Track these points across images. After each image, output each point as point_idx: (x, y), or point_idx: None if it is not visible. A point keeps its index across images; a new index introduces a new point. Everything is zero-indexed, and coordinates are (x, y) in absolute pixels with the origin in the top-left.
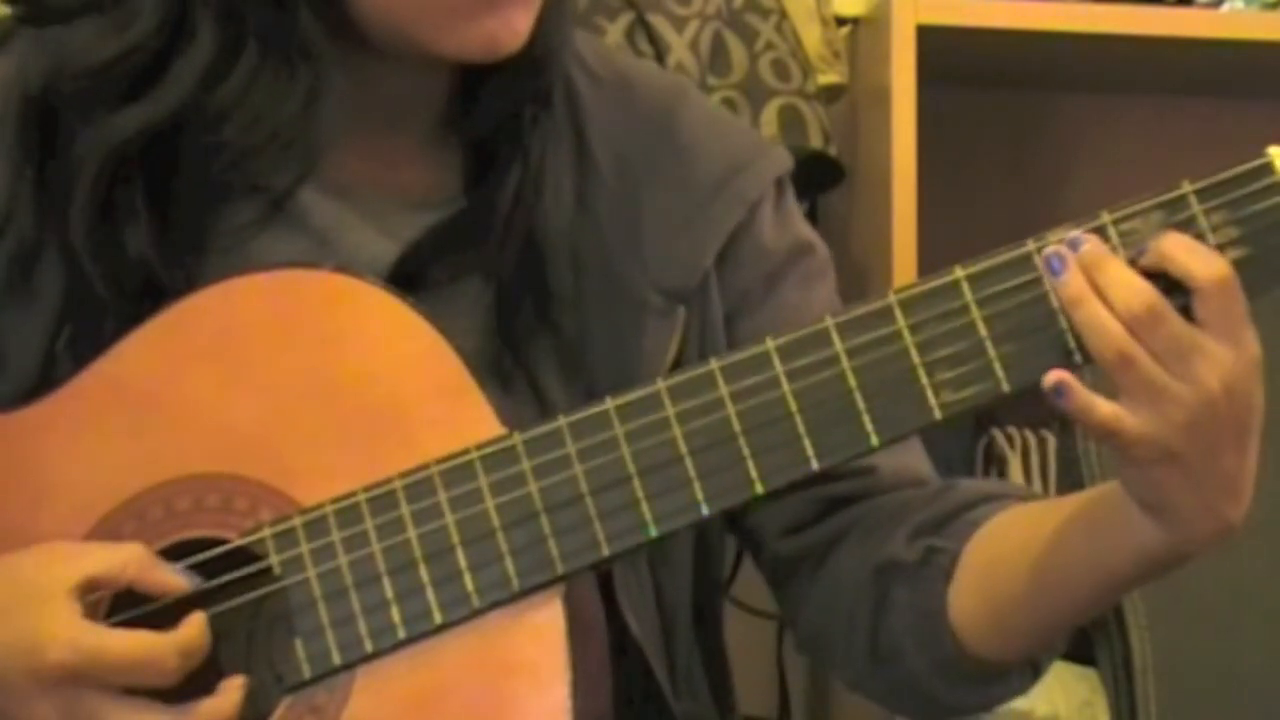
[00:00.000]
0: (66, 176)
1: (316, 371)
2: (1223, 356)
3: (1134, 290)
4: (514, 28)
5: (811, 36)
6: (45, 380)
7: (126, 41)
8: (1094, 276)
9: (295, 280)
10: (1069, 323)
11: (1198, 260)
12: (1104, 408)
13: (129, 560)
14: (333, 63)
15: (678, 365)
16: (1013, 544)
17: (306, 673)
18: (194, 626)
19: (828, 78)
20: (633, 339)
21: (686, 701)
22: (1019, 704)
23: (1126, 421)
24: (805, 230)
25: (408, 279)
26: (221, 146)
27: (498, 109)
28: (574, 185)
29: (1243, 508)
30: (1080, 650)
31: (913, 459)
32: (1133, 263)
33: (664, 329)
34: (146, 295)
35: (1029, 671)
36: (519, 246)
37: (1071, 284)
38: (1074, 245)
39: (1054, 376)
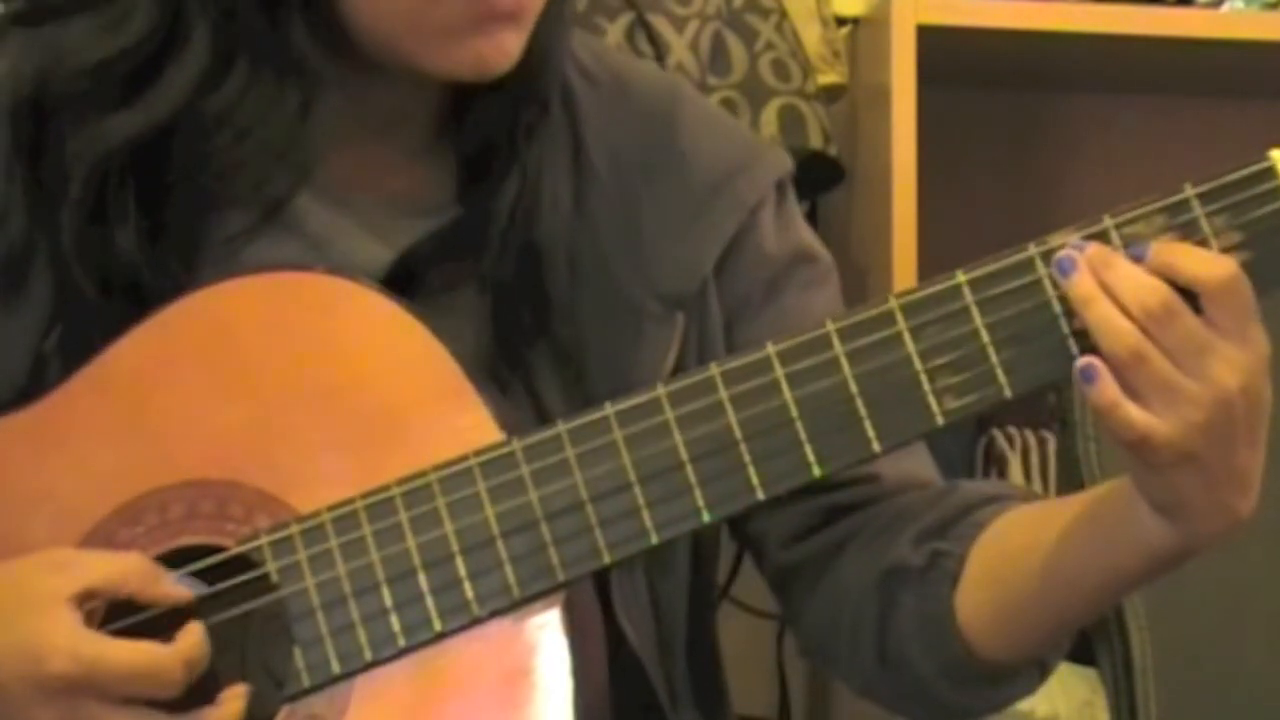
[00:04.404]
0: (58, 179)
1: (311, 375)
2: (1235, 355)
3: (1148, 287)
4: (504, 49)
5: (811, 36)
6: (35, 386)
7: (120, 42)
8: (1103, 275)
9: (288, 283)
10: (1071, 327)
11: (1203, 264)
12: (1133, 409)
13: (130, 572)
14: (325, 78)
15: (677, 373)
16: (1018, 545)
17: (306, 681)
18: (194, 636)
19: (828, 78)
20: (630, 346)
21: (684, 712)
22: (1019, 704)
23: (1155, 426)
24: (807, 236)
25: (403, 285)
26: (212, 156)
27: (491, 122)
28: (571, 189)
29: (1253, 499)
30: (1080, 650)
31: (915, 463)
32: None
33: (662, 336)
34: (134, 302)
35: (1036, 672)
36: (517, 255)
37: (1081, 283)
38: (1079, 248)
39: (1085, 360)
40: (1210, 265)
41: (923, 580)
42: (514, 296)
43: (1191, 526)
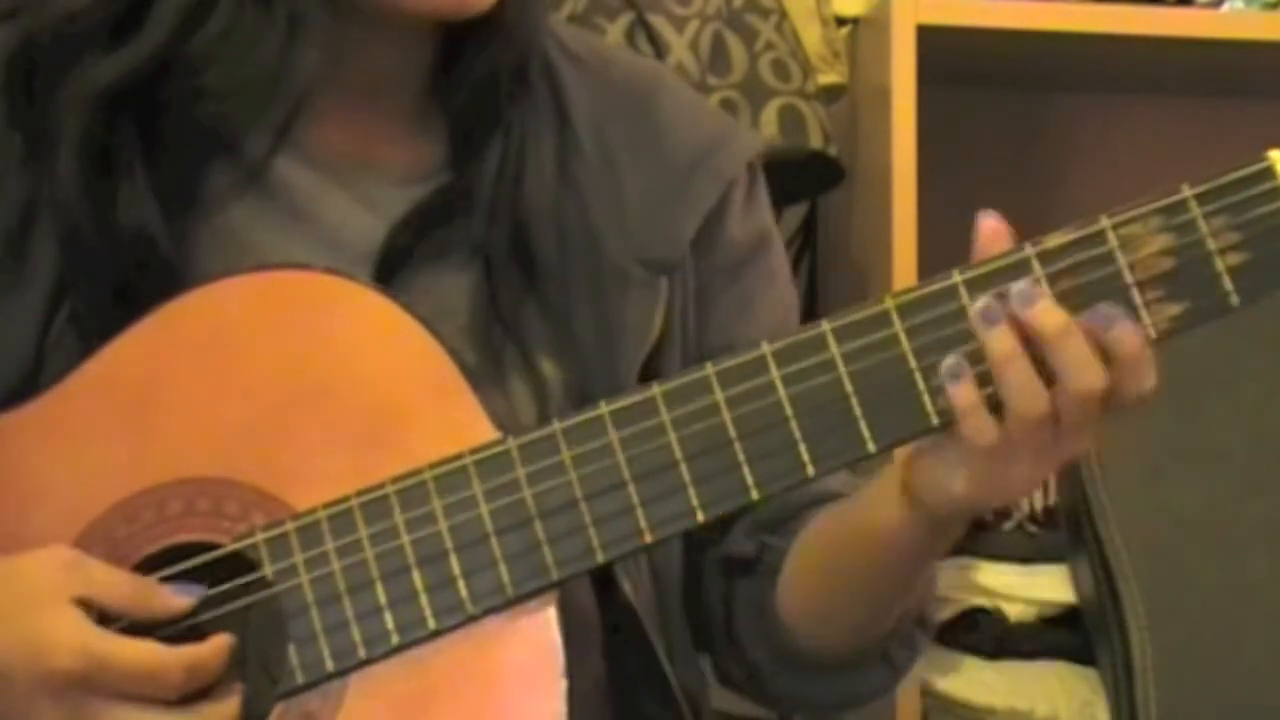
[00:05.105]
0: (56, 132)
1: (308, 374)
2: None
3: (1094, 373)
4: None
5: (811, 36)
6: (38, 369)
7: None
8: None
9: (286, 281)
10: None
11: (1139, 376)
12: (990, 423)
13: (127, 597)
14: (310, 26)
15: (662, 338)
16: (818, 547)
17: (300, 679)
18: (210, 646)
19: (828, 78)
20: (617, 311)
21: (684, 670)
22: (1019, 704)
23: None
24: (771, 220)
25: (396, 255)
26: (204, 92)
27: (475, 77)
28: (556, 159)
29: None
30: (1080, 650)
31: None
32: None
33: (647, 300)
34: (139, 261)
35: (884, 667)
36: (505, 220)
37: (1003, 340)
38: (1007, 297)
39: (954, 359)
40: (1142, 379)
41: (751, 570)
42: (504, 262)
43: (925, 513)
